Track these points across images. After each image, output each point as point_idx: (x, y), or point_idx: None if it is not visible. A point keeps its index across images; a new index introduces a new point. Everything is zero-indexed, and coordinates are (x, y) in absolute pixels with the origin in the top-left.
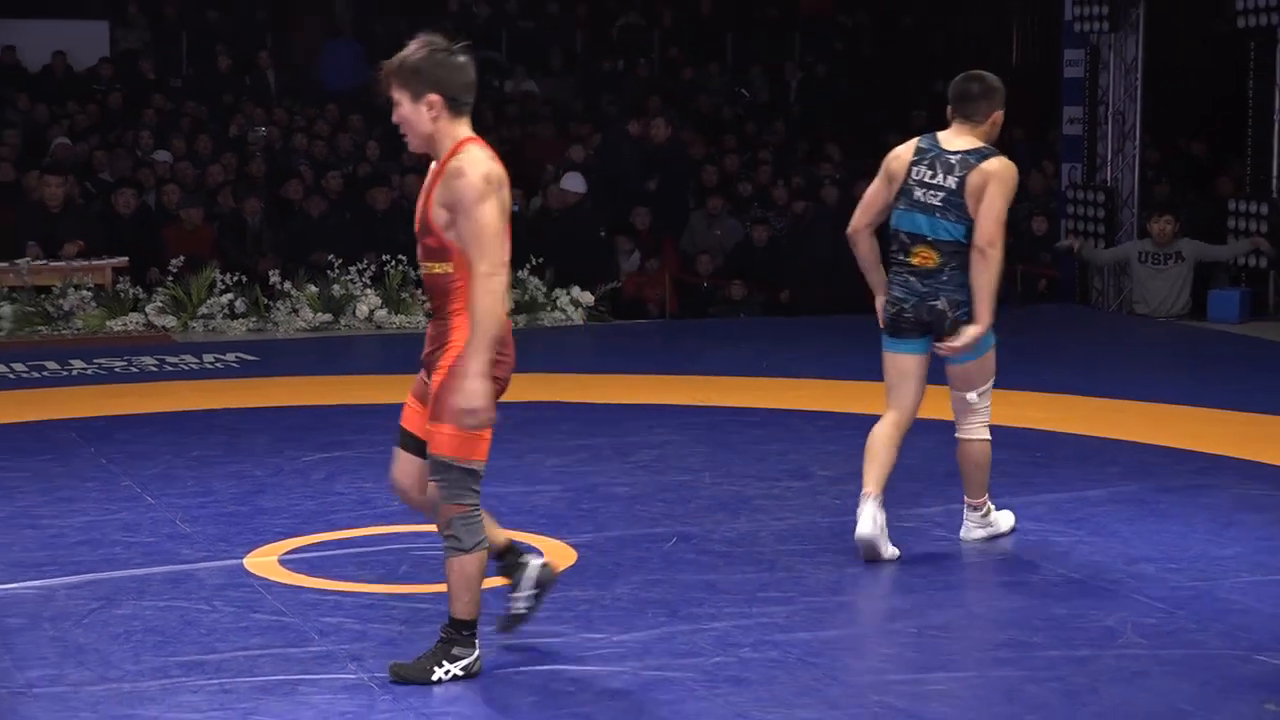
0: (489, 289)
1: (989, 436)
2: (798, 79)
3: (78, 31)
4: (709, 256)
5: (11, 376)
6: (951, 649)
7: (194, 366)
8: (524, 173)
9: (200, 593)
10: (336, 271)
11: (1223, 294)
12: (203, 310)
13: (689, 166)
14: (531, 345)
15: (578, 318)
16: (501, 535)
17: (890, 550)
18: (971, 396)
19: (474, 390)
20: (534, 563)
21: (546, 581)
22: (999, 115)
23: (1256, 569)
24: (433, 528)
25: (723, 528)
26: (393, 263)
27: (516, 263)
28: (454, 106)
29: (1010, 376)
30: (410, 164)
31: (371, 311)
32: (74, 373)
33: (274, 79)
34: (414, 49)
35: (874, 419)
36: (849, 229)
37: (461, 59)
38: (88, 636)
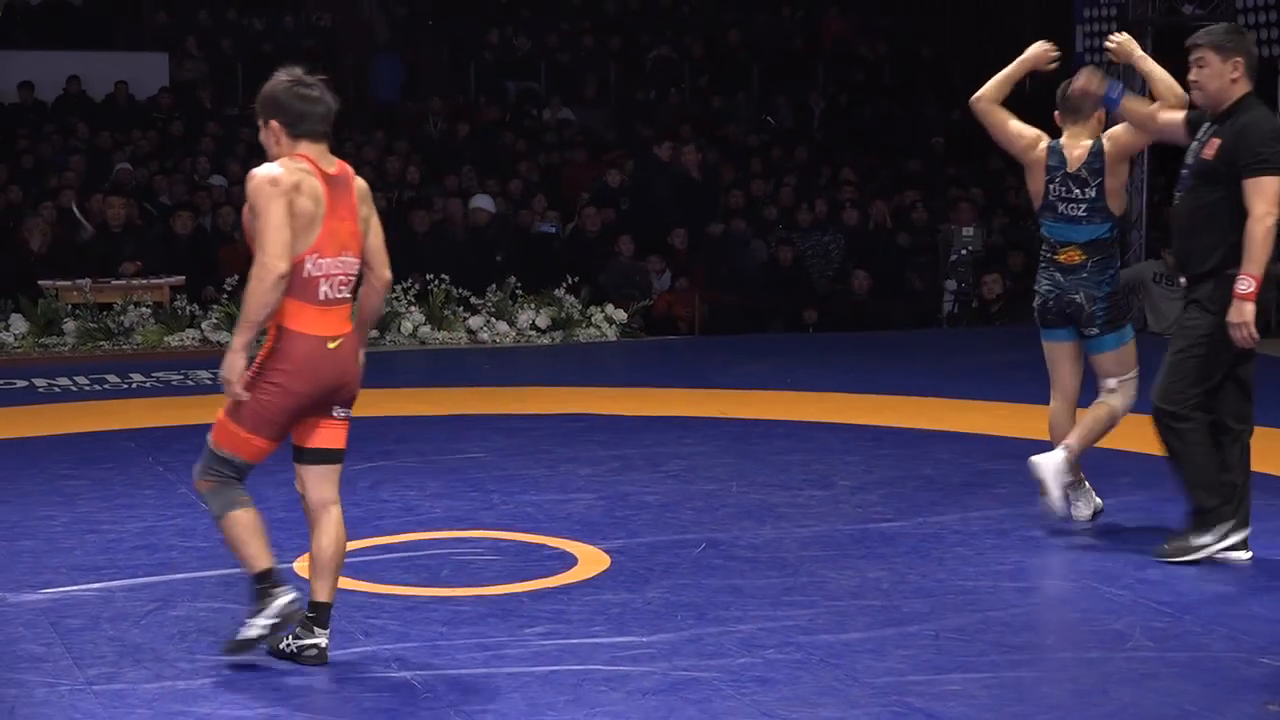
0: (258, 276)
1: (1116, 406)
2: (821, 107)
3: (139, 63)
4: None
5: (74, 389)
6: (968, 651)
7: None
8: (561, 196)
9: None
10: None
11: None
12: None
13: (719, 191)
14: (567, 360)
15: (611, 334)
16: (265, 561)
17: (1065, 509)
18: (1111, 383)
19: (226, 363)
20: (284, 599)
21: (289, 616)
22: (1102, 112)
23: (1259, 575)
24: (474, 533)
25: (749, 534)
26: (435, 282)
27: (552, 282)
28: (292, 132)
29: (1024, 391)
30: (453, 189)
31: (415, 328)
32: (133, 386)
33: None
34: (271, 80)
35: (891, 430)
36: (974, 98)
37: (306, 91)
38: (144, 636)
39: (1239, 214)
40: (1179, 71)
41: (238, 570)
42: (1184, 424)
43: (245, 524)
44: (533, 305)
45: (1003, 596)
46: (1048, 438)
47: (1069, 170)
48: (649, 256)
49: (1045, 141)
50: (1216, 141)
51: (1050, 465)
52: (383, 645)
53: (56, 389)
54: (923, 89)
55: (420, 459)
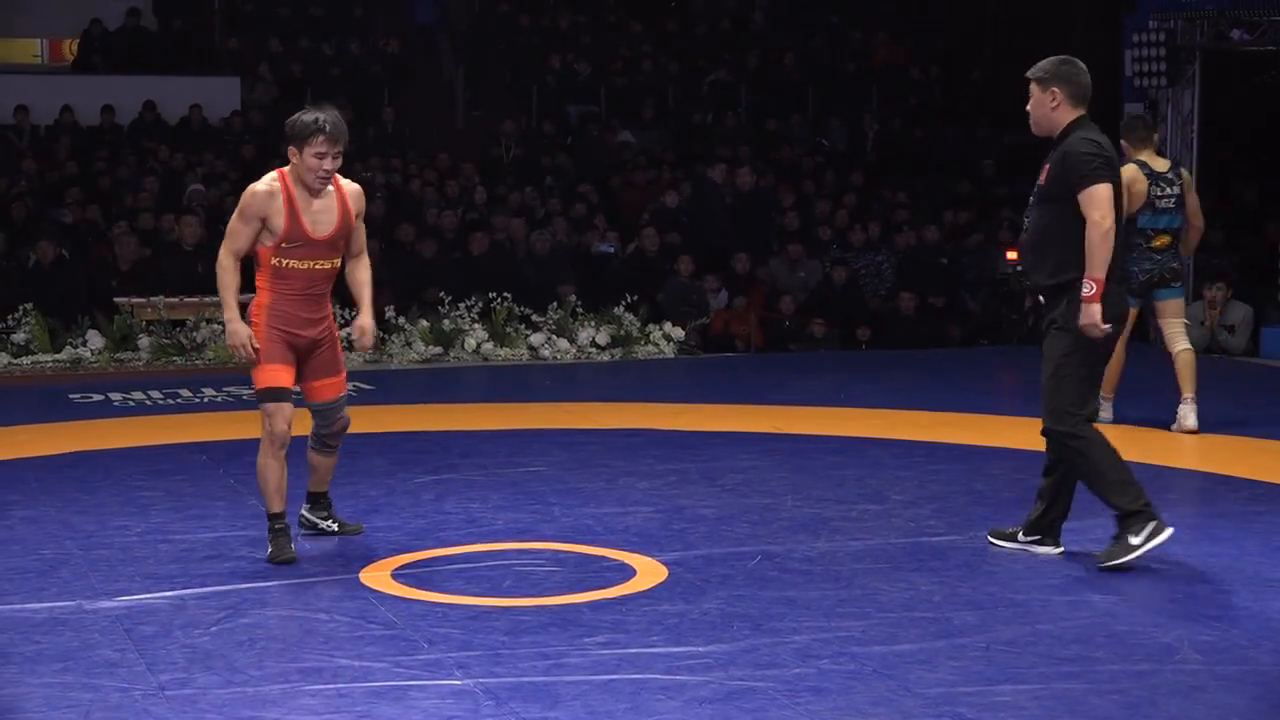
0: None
1: (1190, 347)
2: (874, 129)
3: (212, 86)
4: (791, 297)
5: (149, 403)
6: (1018, 663)
7: None
8: (621, 217)
9: (319, 604)
10: (446, 308)
11: (1276, 332)
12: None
13: (772, 211)
14: (626, 376)
15: (669, 351)
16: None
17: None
18: (1185, 320)
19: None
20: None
21: None
22: (1156, 135)
23: None
24: (535, 545)
25: (803, 547)
26: (498, 300)
27: (611, 300)
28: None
29: None
30: (516, 209)
31: (479, 345)
32: (205, 400)
33: (392, 129)
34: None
35: (943, 446)
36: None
37: (304, 117)
38: (215, 643)
39: (1075, 232)
40: (1231, 96)
41: (305, 580)
42: (1078, 441)
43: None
44: (593, 323)
45: (1052, 609)
46: None
47: (1158, 171)
48: (706, 276)
49: (1129, 169)
50: (1047, 167)
51: (1193, 417)
52: (446, 653)
53: (131, 403)
54: (974, 112)
55: (483, 472)
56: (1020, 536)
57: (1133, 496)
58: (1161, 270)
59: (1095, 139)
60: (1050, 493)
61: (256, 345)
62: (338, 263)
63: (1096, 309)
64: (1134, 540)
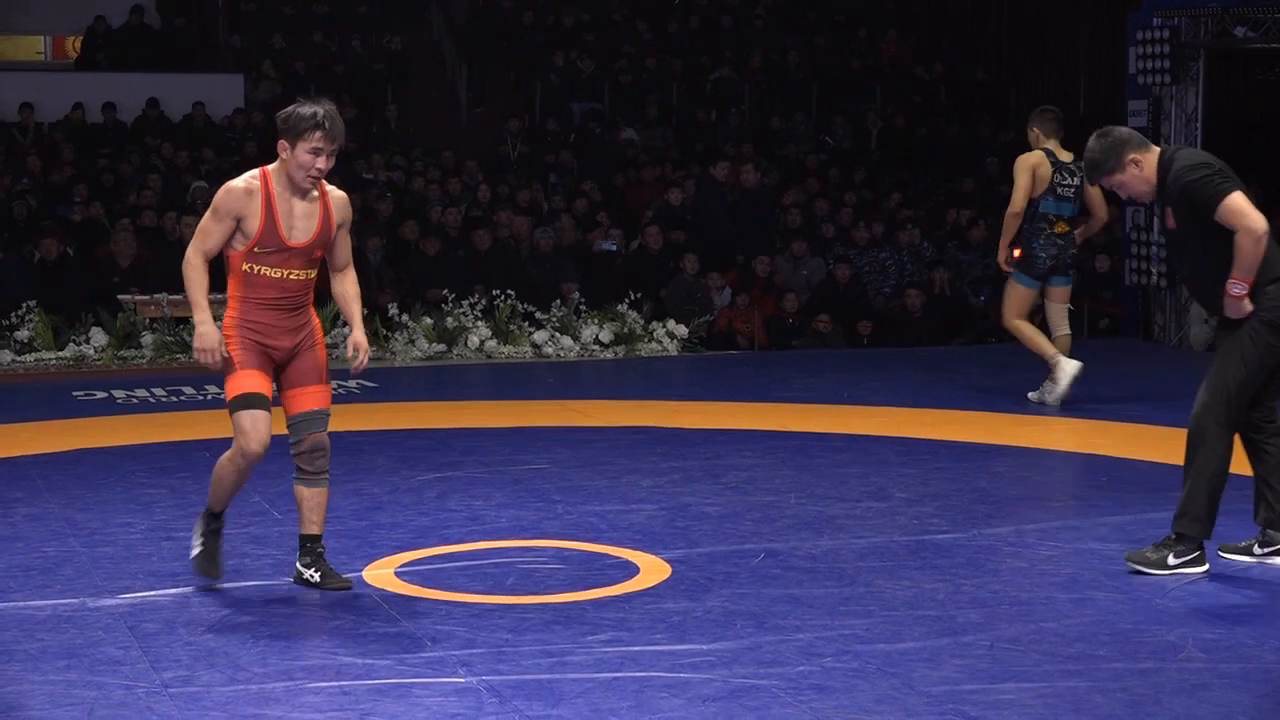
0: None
1: (1069, 332)
2: (878, 128)
3: (216, 84)
4: (795, 294)
5: (152, 400)
6: (1022, 661)
7: None
8: (625, 214)
9: (322, 601)
10: (450, 305)
11: None
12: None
13: (773, 209)
14: (630, 374)
15: (673, 349)
16: None
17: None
18: (1069, 307)
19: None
20: None
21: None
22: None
23: None
24: (539, 542)
25: (807, 545)
26: (501, 297)
27: (615, 298)
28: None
29: (1078, 406)
30: (520, 206)
31: (482, 342)
32: (208, 397)
33: (395, 127)
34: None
35: (946, 444)
36: (1015, 209)
37: (301, 110)
38: (218, 641)
39: (1226, 247)
40: (1234, 93)
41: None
42: (1217, 444)
43: None
44: (596, 321)
45: (1056, 607)
46: (1096, 451)
47: (1062, 162)
48: (709, 273)
49: (1036, 155)
50: (1169, 208)
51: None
52: (450, 651)
53: (134, 400)
54: (978, 110)
55: (486, 470)
56: (1255, 549)
57: (1201, 530)
58: (1063, 256)
59: (1195, 160)
60: (1266, 487)
61: (228, 354)
62: (313, 274)
63: (1245, 305)
64: (1172, 560)
